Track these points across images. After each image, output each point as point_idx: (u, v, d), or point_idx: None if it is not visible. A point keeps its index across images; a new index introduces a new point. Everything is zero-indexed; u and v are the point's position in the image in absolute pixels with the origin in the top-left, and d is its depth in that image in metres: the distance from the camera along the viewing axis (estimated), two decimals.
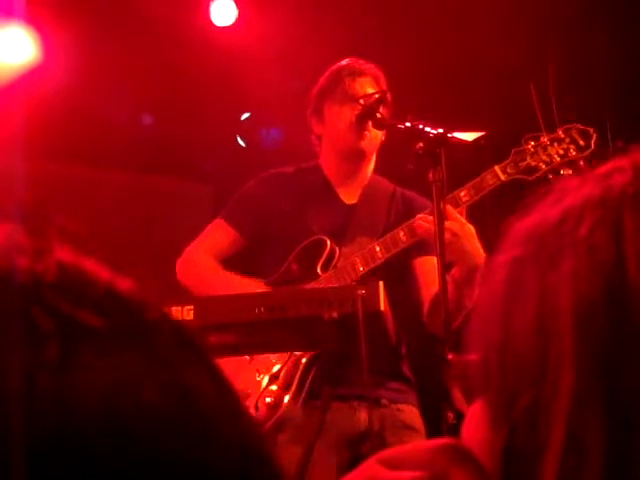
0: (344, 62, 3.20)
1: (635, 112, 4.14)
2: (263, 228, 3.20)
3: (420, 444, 0.71)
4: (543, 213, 0.73)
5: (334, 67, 3.21)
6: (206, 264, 3.22)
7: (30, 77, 4.62)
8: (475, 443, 0.71)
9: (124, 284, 0.45)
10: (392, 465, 0.69)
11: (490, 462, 0.68)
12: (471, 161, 2.85)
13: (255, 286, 3.08)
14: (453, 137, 2.61)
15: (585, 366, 0.63)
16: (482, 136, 2.65)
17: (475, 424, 0.73)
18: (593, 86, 4.55)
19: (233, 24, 4.92)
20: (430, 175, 2.57)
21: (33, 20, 4.55)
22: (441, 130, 2.61)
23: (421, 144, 2.61)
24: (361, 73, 3.14)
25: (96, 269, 0.44)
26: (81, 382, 0.39)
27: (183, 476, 0.40)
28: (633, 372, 0.62)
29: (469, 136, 2.63)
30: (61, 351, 0.39)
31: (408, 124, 2.70)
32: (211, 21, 4.91)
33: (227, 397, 0.45)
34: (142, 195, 5.55)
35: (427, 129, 2.63)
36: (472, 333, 0.75)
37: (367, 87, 3.11)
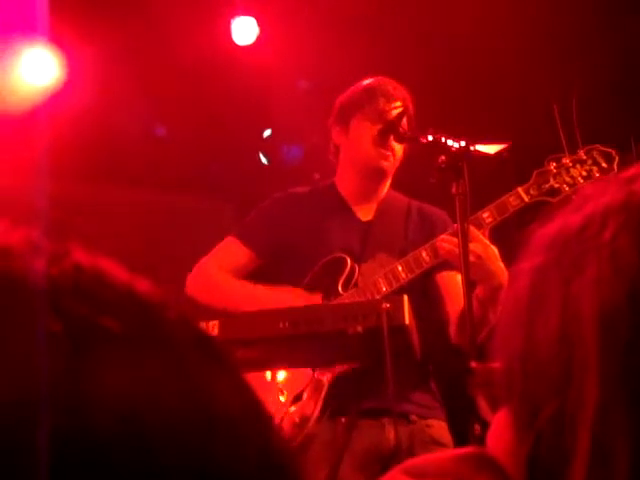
0: (376, 80, 3.18)
1: None
2: (278, 248, 3.19)
3: (445, 453, 0.70)
4: (565, 219, 0.72)
5: (368, 83, 3.17)
6: (222, 277, 3.20)
7: (55, 97, 4.66)
8: (500, 451, 0.70)
9: (143, 285, 0.44)
10: (417, 474, 0.69)
11: (515, 470, 0.68)
12: (494, 174, 2.85)
13: (282, 292, 3.07)
14: (475, 150, 2.61)
15: (610, 373, 0.62)
16: (505, 148, 2.64)
17: (500, 432, 0.72)
18: (618, 107, 4.54)
19: (254, 42, 4.95)
20: (453, 188, 2.57)
21: (57, 40, 4.59)
22: (463, 143, 2.61)
23: (443, 157, 2.61)
24: (395, 97, 3.11)
25: (114, 270, 0.44)
26: (98, 385, 0.39)
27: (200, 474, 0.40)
28: None
29: (491, 149, 2.63)
30: (77, 355, 0.39)
31: (430, 137, 2.70)
32: (232, 40, 4.93)
33: (248, 401, 0.45)
34: (163, 213, 5.57)
35: (449, 142, 2.63)
36: (496, 341, 0.75)
37: (398, 111, 3.09)
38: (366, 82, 3.20)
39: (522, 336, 0.70)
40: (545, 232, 0.74)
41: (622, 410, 0.61)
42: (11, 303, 0.40)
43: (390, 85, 3.15)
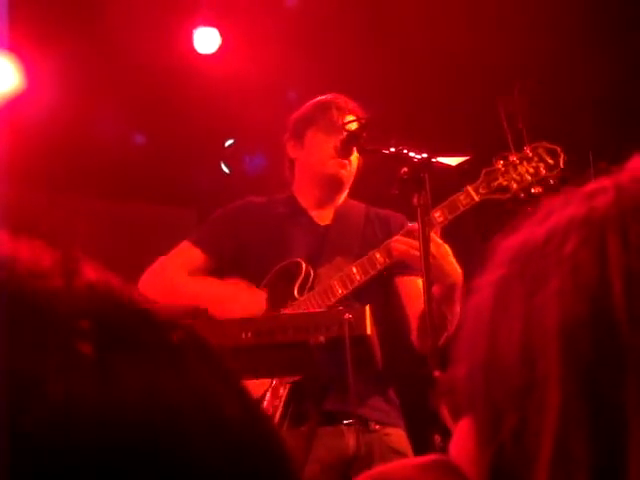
0: (329, 96, 3.24)
1: (616, 132, 4.17)
2: (234, 253, 3.20)
3: (410, 461, 0.72)
4: (529, 232, 0.74)
5: (320, 99, 3.25)
6: (177, 276, 3.21)
7: (13, 105, 4.62)
8: (463, 459, 0.72)
9: (149, 303, 0.46)
10: None
11: (478, 477, 0.69)
12: (456, 185, 2.88)
13: (238, 287, 3.08)
14: (437, 162, 2.64)
15: (571, 384, 0.63)
16: (466, 161, 2.67)
17: (462, 441, 0.73)
18: (574, 107, 4.60)
19: (216, 52, 4.95)
20: (415, 200, 2.59)
21: (16, 48, 4.56)
22: (425, 155, 2.64)
23: (405, 169, 2.63)
24: (348, 111, 3.17)
25: (122, 286, 0.46)
26: (118, 400, 0.41)
27: None
28: (618, 389, 0.62)
29: (453, 161, 2.66)
30: (100, 372, 0.41)
31: (392, 149, 2.73)
32: (194, 49, 4.93)
33: (252, 413, 0.46)
34: (124, 221, 5.54)
35: (411, 154, 2.65)
36: (459, 350, 0.76)
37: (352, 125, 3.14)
38: (319, 98, 3.25)
39: (485, 346, 0.71)
40: (508, 245, 0.75)
41: (583, 419, 0.62)
42: (43, 325, 0.42)
43: (342, 99, 3.21)
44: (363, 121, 3.07)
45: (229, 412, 0.45)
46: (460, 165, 2.65)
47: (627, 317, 0.64)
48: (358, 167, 3.22)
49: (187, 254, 3.26)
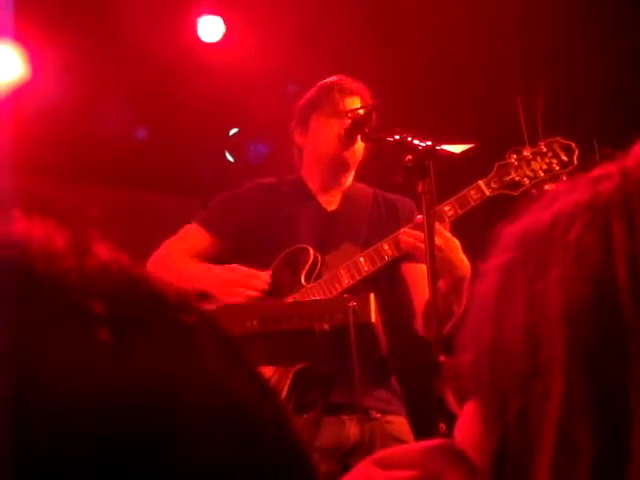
0: (334, 78, 3.23)
1: (623, 129, 4.16)
2: (242, 237, 3.20)
3: (414, 445, 0.72)
4: (534, 217, 0.74)
5: (324, 82, 3.24)
6: (181, 260, 3.20)
7: (18, 94, 4.62)
8: (468, 444, 0.72)
9: (163, 285, 0.46)
10: (386, 465, 0.70)
11: (482, 462, 0.69)
12: (460, 173, 2.88)
13: (235, 270, 3.08)
14: (442, 149, 2.64)
15: (575, 369, 0.64)
16: (471, 148, 2.67)
17: (467, 426, 0.74)
18: (582, 103, 4.59)
19: (220, 40, 4.94)
20: (419, 187, 2.60)
21: (21, 38, 4.56)
22: (430, 143, 2.64)
23: (410, 157, 2.64)
24: (351, 92, 3.17)
25: (134, 266, 0.46)
26: (134, 384, 0.41)
27: (222, 470, 0.42)
28: (622, 375, 0.63)
29: (458, 148, 2.65)
30: (114, 340, 0.41)
31: (397, 137, 2.73)
32: (198, 37, 4.93)
33: (268, 399, 0.46)
34: (129, 210, 5.55)
35: (416, 142, 2.65)
36: (464, 336, 0.76)
37: (355, 105, 3.13)
38: (322, 82, 3.24)
39: (490, 332, 0.72)
40: (513, 230, 0.75)
41: (587, 404, 0.63)
42: (56, 305, 0.42)
43: (346, 81, 3.20)
44: (367, 109, 3.06)
45: (242, 396, 0.45)
46: (464, 152, 2.65)
47: (631, 302, 0.64)
48: (364, 153, 3.21)
49: (192, 236, 3.26)
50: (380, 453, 0.74)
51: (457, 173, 2.89)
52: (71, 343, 0.41)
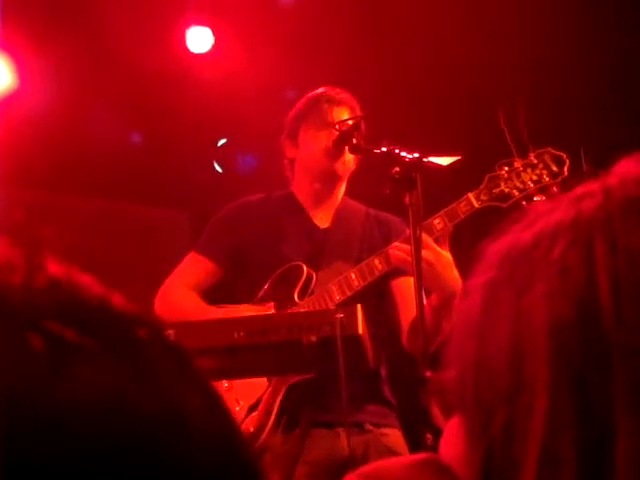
0: (321, 90, 3.23)
1: (609, 140, 4.19)
2: (237, 256, 3.20)
3: (399, 459, 0.72)
4: (516, 236, 0.75)
5: (311, 94, 3.24)
6: (186, 297, 3.21)
7: (6, 103, 4.62)
8: (453, 458, 0.73)
9: (117, 300, 0.45)
10: (371, 479, 0.71)
11: (468, 477, 0.70)
12: (447, 185, 2.88)
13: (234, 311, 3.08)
14: (429, 162, 2.64)
15: (559, 385, 0.64)
16: (457, 160, 2.67)
17: (452, 440, 0.74)
18: (568, 113, 4.61)
19: (209, 51, 4.95)
20: (406, 199, 2.60)
21: (9, 46, 4.56)
22: (417, 155, 2.64)
23: (397, 169, 2.64)
24: (339, 102, 3.17)
25: (88, 284, 0.45)
26: (73, 397, 0.40)
27: None
28: (606, 391, 0.63)
29: (445, 160, 2.66)
30: (52, 368, 0.40)
31: (384, 149, 2.73)
32: (187, 48, 4.93)
33: (218, 414, 0.46)
34: (118, 221, 5.54)
35: (403, 154, 2.66)
36: (449, 351, 0.77)
37: (344, 116, 3.14)
38: (310, 94, 3.25)
39: (474, 348, 0.72)
40: (496, 248, 0.76)
41: (570, 419, 0.63)
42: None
43: (334, 92, 3.21)
44: (356, 120, 3.07)
45: (195, 412, 0.44)
46: (451, 165, 2.66)
47: (614, 319, 0.65)
48: (355, 164, 3.21)
49: (194, 266, 3.27)
50: (366, 467, 0.74)
51: (444, 186, 2.89)
52: (5, 357, 0.40)
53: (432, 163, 2.64)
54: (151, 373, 0.44)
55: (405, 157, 2.64)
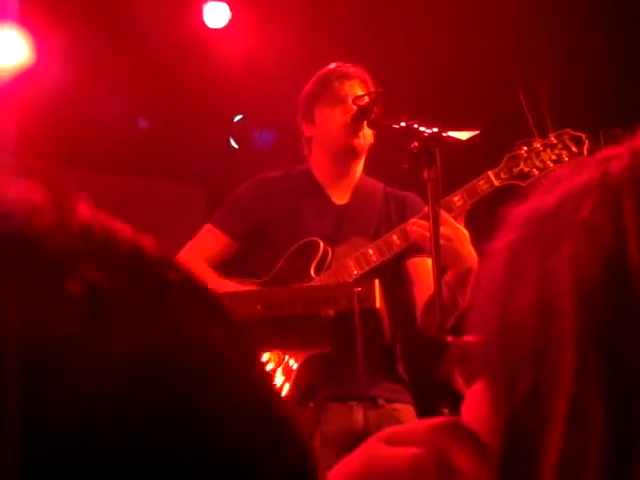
0: (331, 66, 3.23)
1: (629, 120, 4.15)
2: (254, 232, 3.21)
3: (420, 422, 0.72)
4: (540, 199, 0.74)
5: (322, 71, 3.24)
6: (200, 270, 3.22)
7: (23, 79, 4.62)
8: (476, 423, 0.72)
9: (147, 243, 0.45)
10: (393, 442, 0.70)
11: (492, 440, 0.69)
12: (465, 160, 2.87)
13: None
14: (448, 136, 2.64)
15: (587, 344, 0.64)
16: (477, 135, 2.66)
17: (475, 405, 0.74)
18: (588, 93, 4.58)
19: (226, 26, 4.94)
20: (425, 174, 2.60)
21: (26, 22, 4.56)
22: (436, 129, 2.64)
23: (416, 143, 2.64)
24: (349, 77, 3.17)
25: (120, 228, 0.44)
26: (108, 340, 0.39)
27: (203, 432, 0.41)
28: (634, 348, 0.63)
29: (464, 135, 2.65)
30: (90, 315, 0.39)
31: (403, 124, 2.73)
32: (204, 23, 4.92)
33: (253, 361, 0.46)
34: (134, 197, 5.54)
35: (422, 128, 2.65)
36: (471, 316, 0.76)
37: (356, 89, 3.14)
38: (320, 71, 3.25)
39: (498, 310, 0.72)
40: (520, 211, 0.75)
41: (598, 377, 0.63)
42: (30, 265, 0.40)
43: (344, 67, 3.20)
44: (372, 95, 3.06)
45: (228, 356, 0.44)
46: (470, 139, 2.65)
47: None
48: (373, 138, 3.20)
49: (209, 238, 3.28)
50: (387, 430, 0.74)
51: (463, 161, 2.88)
52: (42, 301, 0.39)
53: (451, 137, 2.64)
54: (185, 319, 0.43)
55: (424, 132, 2.64)
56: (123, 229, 0.44)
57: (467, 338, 0.77)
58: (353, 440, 2.93)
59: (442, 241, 2.65)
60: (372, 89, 3.14)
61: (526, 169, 2.91)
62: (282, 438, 0.45)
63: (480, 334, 0.74)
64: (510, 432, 0.67)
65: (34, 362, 0.38)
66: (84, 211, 0.44)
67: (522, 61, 4.40)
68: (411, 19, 4.66)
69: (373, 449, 0.71)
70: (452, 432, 0.69)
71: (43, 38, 4.65)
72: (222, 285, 3.11)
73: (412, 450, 0.69)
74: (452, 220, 2.80)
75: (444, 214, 2.77)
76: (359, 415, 2.95)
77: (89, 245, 0.42)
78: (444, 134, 2.63)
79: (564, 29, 4.56)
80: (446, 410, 2.27)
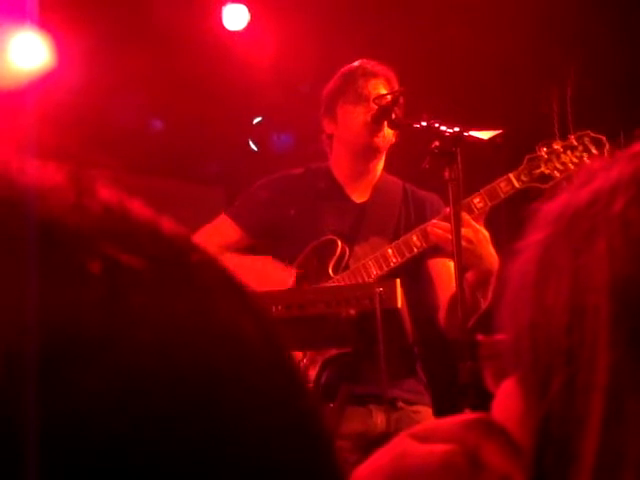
0: (356, 63, 3.22)
1: None
2: (271, 229, 3.21)
3: (451, 418, 0.71)
4: (571, 195, 0.73)
5: (347, 68, 3.23)
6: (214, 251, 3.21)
7: (43, 81, 4.64)
8: (507, 419, 0.71)
9: (168, 225, 0.44)
10: (423, 438, 0.70)
11: (523, 437, 0.69)
12: (487, 160, 2.87)
13: (268, 264, 3.08)
14: (469, 135, 2.63)
15: (622, 340, 0.63)
16: (498, 134, 2.65)
17: (506, 402, 0.73)
18: (610, 97, 4.56)
19: (245, 28, 4.94)
20: (446, 174, 2.59)
21: (46, 25, 4.57)
22: (457, 129, 2.63)
23: (437, 143, 2.63)
24: (374, 75, 3.16)
25: (140, 209, 0.44)
26: (130, 321, 0.39)
27: (227, 419, 0.40)
28: None
29: (485, 134, 2.64)
30: (111, 294, 0.39)
31: (424, 123, 2.72)
32: (223, 25, 4.92)
33: (272, 343, 0.45)
34: (153, 197, 5.50)
35: (443, 128, 2.64)
36: (502, 314, 0.75)
37: (380, 88, 3.13)
38: (344, 68, 3.23)
39: (530, 307, 0.71)
40: (551, 208, 0.75)
41: (633, 372, 0.62)
42: (50, 245, 0.39)
43: (369, 64, 3.19)
44: (394, 94, 3.05)
45: (249, 337, 0.43)
46: (492, 139, 2.64)
47: None
48: (395, 137, 3.19)
49: (223, 228, 3.27)
50: (417, 427, 0.73)
51: (482, 162, 2.88)
52: (61, 280, 0.38)
53: (473, 137, 2.63)
54: (214, 303, 0.42)
55: (445, 131, 2.63)
56: (143, 209, 0.44)
57: (498, 336, 0.77)
58: (371, 443, 2.92)
59: (463, 243, 2.64)
60: (396, 88, 3.13)
61: (547, 171, 2.90)
62: (313, 434, 0.44)
63: (512, 332, 0.73)
64: (544, 430, 0.66)
65: (55, 344, 0.37)
66: (104, 191, 0.43)
67: (545, 63, 4.38)
68: (433, 17, 4.65)
69: (403, 445, 0.71)
70: (483, 429, 0.68)
71: (63, 40, 4.67)
72: (242, 258, 3.11)
73: (443, 447, 0.68)
74: (473, 222, 2.79)
75: (465, 215, 2.77)
76: (378, 418, 2.94)
77: (109, 225, 0.41)
78: (465, 134, 2.62)
79: (587, 30, 4.53)
80: (469, 412, 2.25)
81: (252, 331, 0.43)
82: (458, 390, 2.31)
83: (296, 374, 0.46)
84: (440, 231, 2.81)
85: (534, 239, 0.74)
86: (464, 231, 2.69)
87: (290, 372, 0.45)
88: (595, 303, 0.65)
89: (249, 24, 4.93)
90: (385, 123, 3.03)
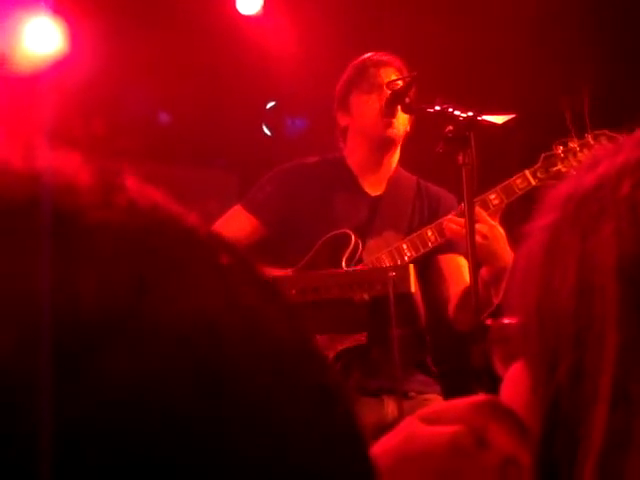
0: (367, 55, 3.22)
1: None
2: (285, 220, 3.20)
3: (460, 400, 0.72)
4: (578, 179, 0.74)
5: (357, 60, 3.23)
6: None
7: (57, 67, 4.65)
8: (515, 402, 0.72)
9: (193, 219, 0.44)
10: (431, 420, 0.70)
11: (530, 419, 0.69)
12: (500, 148, 2.86)
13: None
14: (483, 120, 2.62)
15: (630, 322, 0.63)
16: (512, 118, 2.65)
17: (515, 386, 0.74)
18: (628, 95, 4.53)
19: (259, 12, 4.93)
20: (460, 158, 2.58)
21: (60, 10, 4.58)
22: (471, 113, 2.62)
23: (451, 127, 2.62)
24: (385, 64, 3.16)
25: (168, 204, 0.44)
26: (158, 313, 0.39)
27: (255, 411, 0.40)
28: None
29: (499, 119, 2.63)
30: (136, 285, 0.39)
31: (437, 108, 2.71)
32: (237, 10, 4.92)
33: (304, 340, 0.45)
34: (166, 184, 5.53)
35: (457, 112, 2.63)
36: (510, 298, 0.76)
37: (392, 76, 3.13)
38: (355, 60, 3.24)
39: (538, 290, 0.71)
40: (559, 191, 0.75)
41: None
42: (76, 240, 0.39)
43: (379, 55, 3.19)
44: (407, 80, 3.05)
45: (280, 336, 0.43)
46: (506, 123, 2.63)
47: None
48: (410, 126, 3.19)
49: (238, 220, 3.26)
50: (425, 409, 0.74)
51: (498, 147, 2.87)
52: (90, 280, 0.38)
53: (486, 121, 2.62)
54: (238, 294, 0.42)
55: (459, 115, 2.62)
56: (169, 204, 0.44)
57: (506, 319, 0.77)
58: (384, 432, 2.92)
59: (478, 238, 2.64)
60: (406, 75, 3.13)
61: (563, 169, 2.90)
62: (344, 426, 0.44)
63: (520, 315, 0.73)
64: (552, 413, 0.66)
65: (80, 339, 0.37)
66: (131, 186, 0.43)
67: (563, 55, 4.36)
68: (450, 3, 4.63)
69: (412, 427, 0.71)
70: (491, 410, 0.69)
71: (76, 26, 4.67)
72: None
73: (451, 428, 0.69)
74: (488, 218, 2.79)
75: (480, 211, 2.77)
76: (389, 407, 2.95)
77: (135, 219, 0.42)
78: (479, 118, 2.62)
79: (603, 29, 4.50)
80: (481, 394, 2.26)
81: (285, 331, 0.43)
82: (471, 374, 2.31)
83: (330, 367, 0.46)
84: (455, 226, 2.81)
85: (541, 223, 0.74)
86: (479, 227, 2.69)
87: (322, 366, 0.45)
88: (603, 284, 0.65)
89: (263, 8, 4.92)
90: (399, 108, 3.02)
